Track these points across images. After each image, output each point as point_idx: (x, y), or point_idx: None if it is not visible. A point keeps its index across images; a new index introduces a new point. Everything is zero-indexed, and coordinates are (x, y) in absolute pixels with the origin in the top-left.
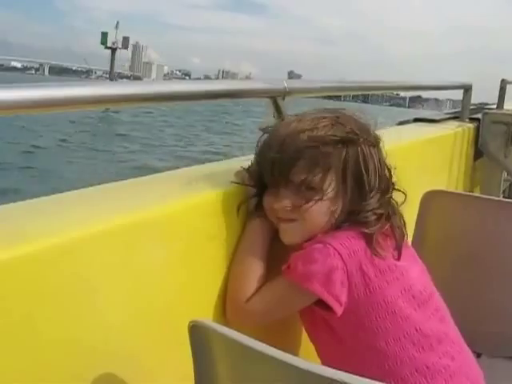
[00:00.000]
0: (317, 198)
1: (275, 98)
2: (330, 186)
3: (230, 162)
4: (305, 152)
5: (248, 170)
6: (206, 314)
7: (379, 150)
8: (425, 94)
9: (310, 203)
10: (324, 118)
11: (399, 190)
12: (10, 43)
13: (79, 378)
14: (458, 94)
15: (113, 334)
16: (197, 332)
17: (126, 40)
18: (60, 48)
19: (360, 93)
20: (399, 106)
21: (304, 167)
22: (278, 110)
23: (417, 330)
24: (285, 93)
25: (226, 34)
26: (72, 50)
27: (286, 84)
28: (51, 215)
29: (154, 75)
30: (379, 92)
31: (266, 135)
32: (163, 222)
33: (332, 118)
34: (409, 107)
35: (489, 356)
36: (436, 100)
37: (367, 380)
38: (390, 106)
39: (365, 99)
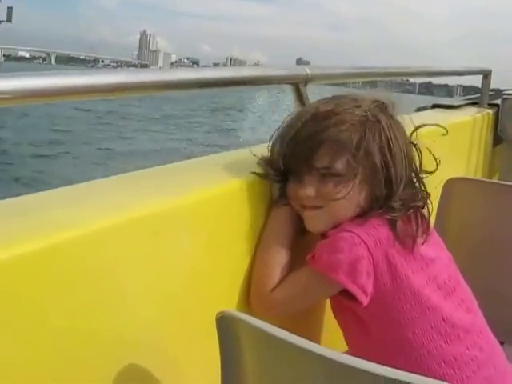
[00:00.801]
0: (341, 184)
1: (297, 84)
2: (354, 172)
3: (254, 149)
4: (327, 137)
5: (271, 157)
6: (230, 302)
7: (405, 134)
8: (435, 80)
9: (335, 190)
10: (346, 102)
11: (428, 172)
12: (19, 33)
13: (106, 367)
14: (469, 80)
15: (139, 323)
16: (224, 323)
17: (10, 11)
18: (71, 37)
19: (382, 79)
20: (409, 92)
21: (327, 153)
22: (299, 96)
23: (444, 321)
24: (307, 79)
25: (236, 22)
26: (83, 38)
27: (308, 70)
28: (77, 205)
29: (160, 63)
30: (401, 77)
31: (287, 122)
32: (187, 211)
33: (354, 103)
34: (419, 93)
35: (511, 344)
36: (446, 86)
37: (393, 370)
38: (400, 92)
39: (373, 86)
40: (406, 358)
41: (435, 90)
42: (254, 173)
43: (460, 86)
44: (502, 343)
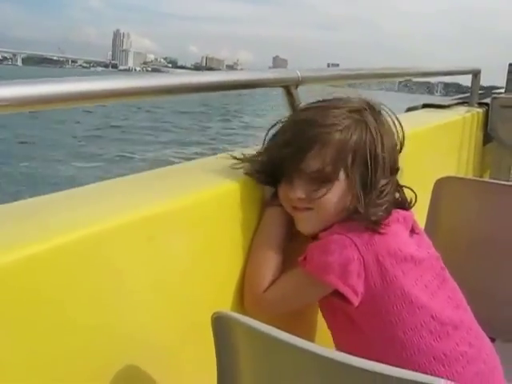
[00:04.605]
0: (330, 186)
1: (288, 87)
2: (343, 175)
3: (248, 152)
4: (316, 141)
5: (263, 159)
6: (224, 303)
7: (392, 136)
8: (415, 77)
9: (323, 192)
10: (334, 106)
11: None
12: (8, 37)
13: (106, 364)
14: (450, 77)
15: (136, 324)
16: (220, 323)
17: None
18: (59, 39)
19: (373, 80)
20: (388, 90)
21: (316, 156)
22: (291, 99)
23: (433, 318)
24: (298, 82)
25: (227, 23)
26: (71, 40)
27: (299, 73)
28: (77, 208)
29: (130, 63)
30: (392, 79)
31: (277, 125)
32: (182, 214)
33: (342, 106)
34: (398, 91)
35: (503, 340)
36: (427, 83)
37: (388, 366)
38: (378, 90)
39: (352, 84)
40: (396, 355)
41: (416, 88)
42: (246, 173)
43: (441, 83)
44: (493, 340)
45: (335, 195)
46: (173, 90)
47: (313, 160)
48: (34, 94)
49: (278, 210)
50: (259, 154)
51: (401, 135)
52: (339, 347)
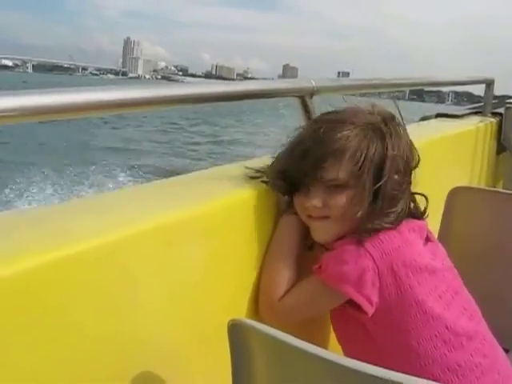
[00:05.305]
0: (346, 194)
1: (303, 97)
2: (358, 184)
3: (263, 161)
4: (333, 150)
5: (279, 168)
6: (239, 310)
7: (407, 146)
8: (426, 87)
9: (340, 200)
10: (351, 115)
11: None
12: (23, 45)
13: (121, 372)
14: (462, 86)
15: (152, 330)
16: (236, 330)
17: None
18: (71, 47)
19: (387, 90)
20: (398, 99)
21: (332, 165)
22: (306, 108)
23: (448, 329)
24: (313, 91)
25: (237, 30)
26: (83, 48)
27: (314, 83)
28: (93, 216)
29: (140, 70)
30: (406, 88)
31: (294, 135)
32: (199, 221)
33: (358, 116)
34: (409, 100)
35: None
36: (438, 92)
37: (401, 375)
38: (389, 99)
39: (363, 93)
40: (410, 365)
41: (426, 97)
42: (263, 181)
43: (452, 92)
44: (507, 351)
45: (350, 204)
46: (186, 100)
47: (329, 170)
48: (44, 104)
49: (293, 219)
50: (275, 163)
51: (416, 148)
52: (349, 357)
